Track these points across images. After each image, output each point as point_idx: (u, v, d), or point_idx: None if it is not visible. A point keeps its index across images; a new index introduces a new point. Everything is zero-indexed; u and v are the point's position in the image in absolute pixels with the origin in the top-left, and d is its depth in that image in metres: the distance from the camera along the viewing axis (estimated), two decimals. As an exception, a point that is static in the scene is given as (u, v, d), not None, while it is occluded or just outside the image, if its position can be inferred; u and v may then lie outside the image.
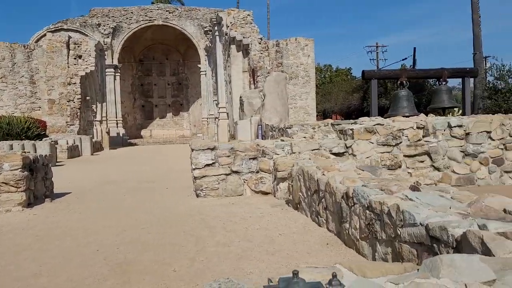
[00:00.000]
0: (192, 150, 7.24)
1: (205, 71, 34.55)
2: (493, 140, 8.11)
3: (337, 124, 8.41)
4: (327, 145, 7.56)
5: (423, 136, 7.95)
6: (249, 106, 17.93)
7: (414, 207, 3.17)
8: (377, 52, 54.38)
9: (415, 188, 3.82)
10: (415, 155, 7.90)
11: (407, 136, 7.87)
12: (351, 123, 8.10)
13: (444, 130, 8.01)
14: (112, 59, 36.97)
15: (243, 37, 21.31)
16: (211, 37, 27.94)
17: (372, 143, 7.81)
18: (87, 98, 29.22)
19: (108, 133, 30.86)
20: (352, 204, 4.06)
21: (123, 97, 40.95)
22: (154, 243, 4.61)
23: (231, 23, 22.46)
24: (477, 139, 8.05)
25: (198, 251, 4.27)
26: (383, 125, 7.83)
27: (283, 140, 7.82)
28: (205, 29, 33.55)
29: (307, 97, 33.49)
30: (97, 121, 30.73)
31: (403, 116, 9.63)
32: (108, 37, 36.39)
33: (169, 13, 38.15)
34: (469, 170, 8.04)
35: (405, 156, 7.87)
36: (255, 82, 18.85)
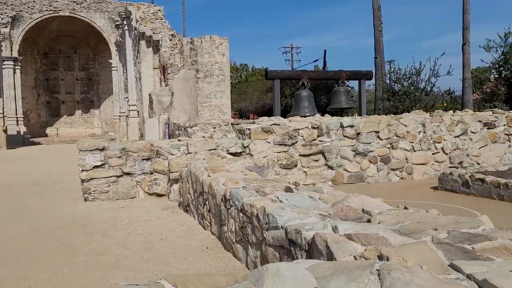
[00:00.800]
0: (80, 150, 6.76)
1: (116, 66, 33.05)
2: (381, 139, 8.61)
3: (236, 124, 8.39)
4: (224, 145, 7.49)
5: (318, 136, 8.20)
6: (159, 104, 17.42)
7: (279, 210, 3.16)
8: (291, 53, 55.94)
9: (288, 189, 3.85)
10: (310, 154, 8.13)
11: (302, 136, 8.07)
12: (250, 123, 8.12)
13: (337, 130, 8.34)
14: (12, 50, 33.95)
15: (153, 33, 20.66)
16: (121, 31, 26.76)
17: (269, 142, 7.89)
18: (-21, 93, 26.48)
19: (5, 131, 28.26)
20: (229, 207, 3.99)
21: (24, 92, 37.77)
22: (16, 255, 4.17)
23: (140, 17, 21.67)
24: (367, 139, 8.49)
25: (66, 262, 3.93)
26: (279, 125, 7.95)
27: (180, 140, 7.60)
28: (117, 23, 32.08)
29: (222, 96, 33.43)
30: (-9, 118, 27.99)
31: (304, 116, 9.90)
32: (6, 26, 33.35)
33: (77, 4, 35.92)
34: (359, 168, 8.45)
35: (300, 155, 8.06)
36: (166, 79, 18.36)
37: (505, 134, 9.44)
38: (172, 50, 20.47)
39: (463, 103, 18.26)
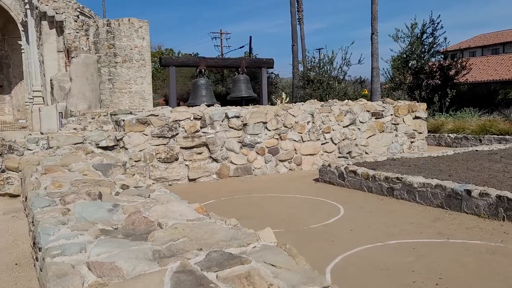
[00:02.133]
0: None
1: (24, 48, 30.48)
2: (269, 130, 8.40)
3: (114, 115, 7.76)
4: (93, 138, 6.87)
5: (201, 127, 7.81)
6: (60, 90, 16.18)
7: (52, 226, 2.68)
8: (221, 39, 55.15)
9: (99, 196, 3.40)
10: (192, 147, 7.72)
11: (184, 128, 7.64)
12: (127, 113, 7.54)
13: (222, 121, 8.00)
14: None
15: (56, 13, 19.10)
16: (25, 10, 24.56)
17: (146, 135, 7.37)
18: None
19: None
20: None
21: None
22: None
23: (43, -5, 19.92)
24: (254, 130, 8.24)
25: None
26: (157, 116, 7.45)
27: (42, 133, 6.86)
28: (26, 1, 29.45)
29: (143, 82, 31.93)
30: None
31: (203, 106, 9.43)
32: None
33: (-22, -22, 32.54)
34: (246, 160, 8.20)
35: (182, 148, 7.64)
36: (70, 64, 17.05)
37: (392, 123, 9.64)
38: (77, 32, 19.07)
39: (372, 92, 18.79)
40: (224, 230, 2.59)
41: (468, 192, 4.96)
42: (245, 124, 8.18)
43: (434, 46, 18.90)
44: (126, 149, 7.21)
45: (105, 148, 7.00)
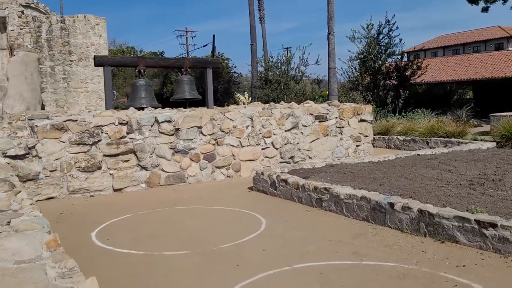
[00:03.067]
0: None
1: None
2: (205, 135, 7.92)
3: (31, 119, 7.09)
4: (0, 147, 6.21)
5: (128, 133, 7.25)
6: (0, 90, 15.17)
7: None
8: (186, 37, 54.27)
9: None
10: (117, 154, 7.16)
11: (107, 134, 7.06)
12: (44, 118, 6.88)
13: (152, 126, 7.46)
14: None
15: (-1, 8, 17.99)
16: (-32, 4, 23.14)
17: (64, 142, 6.76)
18: None
19: None
20: None
21: None
22: None
23: (-16, -11, 18.74)
24: (187, 135, 7.74)
25: None
26: (76, 121, 6.84)
27: None
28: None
29: (100, 81, 30.89)
30: None
31: (140, 108, 8.90)
32: None
33: None
34: (179, 168, 7.69)
35: (105, 155, 7.06)
36: (8, 62, 16.04)
37: (336, 127, 9.34)
38: (21, 29, 18.04)
39: (329, 92, 18.59)
40: (42, 280, 2.09)
41: (391, 205, 4.63)
42: (177, 129, 7.67)
43: (390, 46, 18.88)
44: (40, 158, 6.58)
45: (14, 157, 6.36)
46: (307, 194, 5.83)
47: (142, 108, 8.72)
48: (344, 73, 20.14)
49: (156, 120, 7.49)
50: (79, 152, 6.85)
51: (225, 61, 36.82)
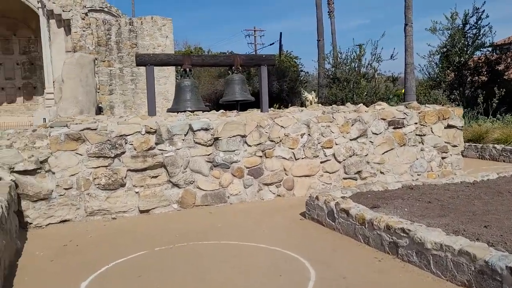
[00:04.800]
0: None
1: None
2: (250, 146, 6.55)
3: (51, 127, 6.14)
4: (6, 160, 5.31)
5: (157, 144, 6.08)
6: (60, 93, 15.01)
7: None
8: (254, 36, 53.76)
9: None
10: (145, 169, 6.00)
11: (132, 144, 5.93)
12: (63, 126, 5.89)
13: (185, 135, 6.23)
14: None
15: (63, 11, 18.05)
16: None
17: (81, 154, 5.72)
18: None
19: None
20: None
21: (-45, 78, 34.64)
22: None
23: (51, -7, 18.97)
24: (229, 146, 6.42)
25: None
26: (95, 130, 5.77)
27: None
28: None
29: (166, 82, 30.92)
30: None
31: (188, 112, 7.81)
32: None
33: (7, -20, 32.62)
34: (218, 185, 6.38)
35: (130, 170, 5.93)
36: (64, 64, 15.88)
37: (416, 134, 7.51)
38: (83, 31, 17.94)
39: (405, 91, 16.42)
40: None
41: (513, 272, 2.92)
42: (216, 139, 6.37)
43: (479, 38, 16.27)
44: (53, 173, 5.59)
45: (23, 172, 5.42)
46: (377, 234, 4.22)
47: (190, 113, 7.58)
48: (422, 69, 17.80)
49: (191, 128, 6.25)
50: (98, 167, 5.78)
51: (294, 60, 35.33)
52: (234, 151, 6.46)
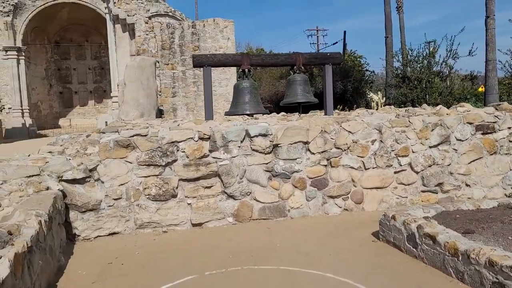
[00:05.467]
0: None
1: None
2: (313, 153, 5.84)
3: (102, 132, 5.84)
4: (54, 169, 5.03)
5: (210, 151, 5.56)
6: (123, 96, 15.17)
7: None
8: (317, 36, 52.76)
9: None
10: (197, 178, 5.51)
11: (184, 152, 5.46)
12: (115, 132, 5.56)
13: (241, 141, 5.66)
14: (15, 40, 32.93)
15: (128, 15, 18.39)
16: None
17: (131, 162, 5.34)
18: (-33, 85, 25.52)
19: (-2, 124, 27.16)
20: None
21: (35, 83, 37.10)
22: None
23: (117, -1, 19.44)
24: (289, 153, 5.76)
25: None
26: (145, 136, 5.37)
27: (-5, 161, 5.20)
28: (105, 5, 30.31)
29: (228, 84, 30.91)
30: (-17, 111, 26.91)
31: (245, 115, 7.37)
32: (8, 15, 32.30)
33: (81, -11, 34.36)
34: (278, 197, 5.75)
35: (182, 180, 5.47)
36: (125, 68, 16.06)
37: (509, 141, 6.40)
38: (147, 35, 18.15)
39: (486, 90, 14.82)
40: None
41: None
42: (276, 145, 5.74)
43: None
44: (102, 182, 5.25)
45: (71, 181, 5.12)
46: (474, 269, 3.37)
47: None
48: (504, 66, 16.01)
49: (248, 134, 5.67)
50: (149, 176, 5.37)
51: (358, 59, 33.91)
52: (295, 159, 5.79)
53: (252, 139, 5.67)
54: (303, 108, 8.73)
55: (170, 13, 34.51)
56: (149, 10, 19.24)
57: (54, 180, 5.02)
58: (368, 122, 6.07)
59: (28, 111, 34.23)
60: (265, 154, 5.71)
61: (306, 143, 5.82)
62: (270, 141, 5.71)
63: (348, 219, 5.68)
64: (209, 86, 8.21)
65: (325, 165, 5.89)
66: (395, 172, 6.11)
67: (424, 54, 16.23)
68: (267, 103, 38.03)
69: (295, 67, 8.35)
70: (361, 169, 6.00)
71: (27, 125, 33.45)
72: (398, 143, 6.07)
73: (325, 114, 7.33)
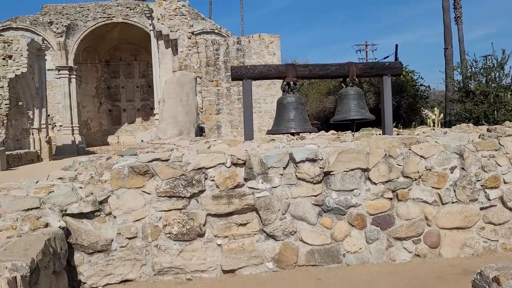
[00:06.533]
0: None
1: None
2: (375, 183, 4.64)
3: (121, 155, 4.94)
4: (56, 200, 4.16)
5: (246, 179, 4.50)
6: (162, 113, 14.54)
7: None
8: (366, 51, 51.26)
9: None
10: (229, 214, 4.46)
11: (213, 180, 4.43)
12: (133, 154, 4.64)
13: (284, 168, 4.56)
14: (67, 60, 33.98)
15: (171, 31, 17.99)
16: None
17: (148, 193, 4.37)
18: (20, 103, 26.19)
19: (48, 142, 27.65)
20: None
21: (85, 101, 38.10)
22: None
23: (161, 15, 19.14)
24: (344, 183, 4.59)
25: None
26: (166, 161, 4.40)
27: (-6, 189, 4.41)
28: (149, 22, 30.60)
29: (273, 100, 30.11)
30: (34, 128, 27.52)
31: (290, 134, 6.33)
32: (61, 36, 33.46)
33: (130, 9, 35.13)
34: (330, 238, 4.58)
35: (211, 215, 4.43)
36: (164, 83, 15.48)
37: None
38: (189, 50, 17.62)
39: None
40: None
41: None
42: (327, 173, 4.59)
43: None
44: (114, 217, 4.31)
45: (78, 216, 4.22)
46: None
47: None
48: None
49: (292, 159, 4.57)
50: (170, 210, 4.38)
51: (410, 74, 31.97)
52: (352, 190, 4.61)
53: (297, 165, 4.55)
54: (356, 126, 7.52)
55: (216, 30, 34.37)
56: (192, 26, 18.80)
57: (56, 214, 4.14)
58: (445, 145, 4.80)
59: (78, 128, 34.97)
60: (314, 184, 4.57)
61: (366, 170, 4.64)
62: (320, 167, 4.57)
63: (422, 269, 4.41)
64: (249, 101, 7.13)
65: (390, 199, 4.66)
66: (481, 208, 4.77)
67: (492, 66, 14.52)
68: (314, 120, 36.70)
69: (347, 79, 7.15)
70: (437, 204, 4.71)
71: (77, 142, 34.09)
72: (485, 171, 4.75)
73: (383, 133, 6.11)
